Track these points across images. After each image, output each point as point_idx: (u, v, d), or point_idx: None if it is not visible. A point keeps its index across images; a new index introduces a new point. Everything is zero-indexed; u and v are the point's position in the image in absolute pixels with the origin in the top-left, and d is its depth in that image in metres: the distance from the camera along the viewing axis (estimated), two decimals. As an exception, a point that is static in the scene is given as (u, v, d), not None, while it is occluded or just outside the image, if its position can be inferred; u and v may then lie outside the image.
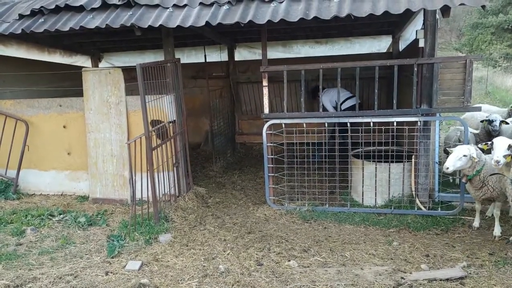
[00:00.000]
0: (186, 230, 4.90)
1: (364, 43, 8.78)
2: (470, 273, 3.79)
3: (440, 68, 4.94)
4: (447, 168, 4.31)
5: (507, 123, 5.72)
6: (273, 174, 5.72)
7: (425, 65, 4.95)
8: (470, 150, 4.32)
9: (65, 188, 6.34)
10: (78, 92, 5.99)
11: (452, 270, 3.85)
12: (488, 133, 5.78)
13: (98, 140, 5.90)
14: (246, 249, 4.40)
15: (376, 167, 5.37)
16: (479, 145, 4.52)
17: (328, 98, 7.34)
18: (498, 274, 3.77)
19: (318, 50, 8.93)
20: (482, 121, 5.93)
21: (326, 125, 5.45)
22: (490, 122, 5.70)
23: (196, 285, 3.71)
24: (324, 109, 7.18)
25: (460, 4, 4.22)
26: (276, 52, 9.12)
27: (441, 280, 3.69)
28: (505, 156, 3.97)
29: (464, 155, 4.29)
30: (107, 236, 4.77)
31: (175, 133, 5.65)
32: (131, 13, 5.10)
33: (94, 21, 5.11)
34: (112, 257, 4.27)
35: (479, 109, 5.23)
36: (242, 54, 9.38)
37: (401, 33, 7.79)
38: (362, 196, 5.54)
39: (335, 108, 7.13)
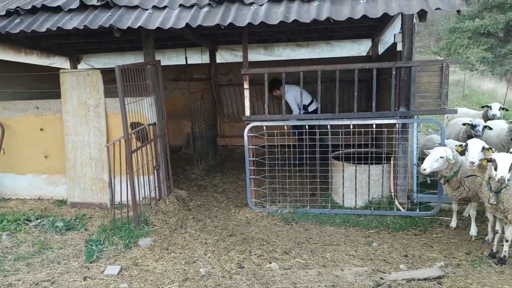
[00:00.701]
0: (166, 233, 4.85)
1: (344, 46, 8.89)
2: (447, 273, 3.86)
3: (417, 72, 5.03)
4: (424, 169, 4.38)
5: (490, 129, 5.73)
6: (254, 177, 5.72)
7: (403, 69, 5.03)
8: (447, 152, 4.40)
9: (43, 192, 6.21)
10: (56, 94, 5.88)
11: (430, 269, 3.92)
12: (470, 137, 5.60)
13: (76, 143, 5.80)
14: (227, 252, 4.39)
15: (356, 169, 5.43)
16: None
17: (293, 97, 7.25)
18: (474, 273, 3.86)
19: (299, 53, 9.00)
20: (464, 124, 5.99)
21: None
22: (473, 126, 5.72)
23: (176, 289, 3.68)
24: (288, 108, 7.30)
25: (436, 9, 4.31)
26: (258, 55, 9.15)
27: (419, 280, 3.75)
28: (480, 160, 4.06)
29: (441, 157, 4.37)
30: (86, 241, 4.68)
31: (156, 135, 5.60)
32: (109, 14, 5.04)
33: (72, 22, 5.03)
34: (91, 262, 4.20)
35: (455, 111, 5.34)
36: (224, 56, 9.37)
37: (380, 37, 7.91)
38: (343, 197, 5.59)
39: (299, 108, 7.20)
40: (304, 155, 5.44)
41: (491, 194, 3.89)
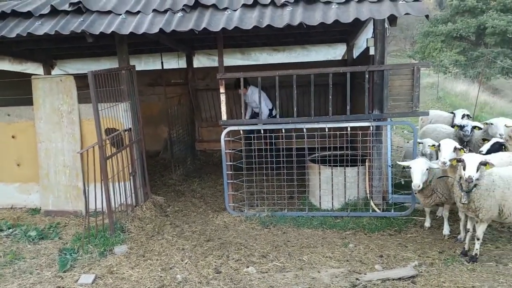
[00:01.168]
0: (143, 240, 4.79)
1: (320, 50, 8.99)
2: (421, 272, 3.95)
3: (390, 75, 5.14)
4: (419, 186, 4.35)
5: (480, 129, 5.75)
6: (232, 181, 5.72)
7: (375, 72, 5.13)
8: (427, 162, 4.47)
9: (15, 201, 6.05)
10: (28, 100, 5.75)
11: (404, 269, 3.99)
12: (461, 140, 5.69)
13: (49, 150, 5.68)
14: (205, 257, 4.37)
15: (332, 171, 5.49)
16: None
17: (263, 98, 7.07)
18: (447, 271, 3.95)
19: (276, 57, 9.06)
20: (453, 126, 6.08)
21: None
22: (461, 127, 5.71)
23: (152, 296, 3.64)
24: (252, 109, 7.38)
25: (405, 14, 4.42)
26: (235, 59, 9.17)
27: (393, 279, 3.82)
28: (451, 160, 4.17)
29: (427, 169, 4.41)
30: (59, 250, 4.59)
31: (131, 141, 5.54)
32: (82, 19, 4.97)
33: (43, 28, 4.94)
34: (64, 271, 4.12)
35: (426, 113, 5.47)
36: (201, 61, 9.36)
37: (354, 41, 8.05)
38: (320, 200, 5.64)
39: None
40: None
41: (462, 194, 3.99)
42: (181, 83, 9.13)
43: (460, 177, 4.01)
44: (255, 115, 7.31)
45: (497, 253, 4.32)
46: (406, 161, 5.10)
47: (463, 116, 6.55)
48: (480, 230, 4.08)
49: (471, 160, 3.88)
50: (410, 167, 4.46)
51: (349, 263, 4.20)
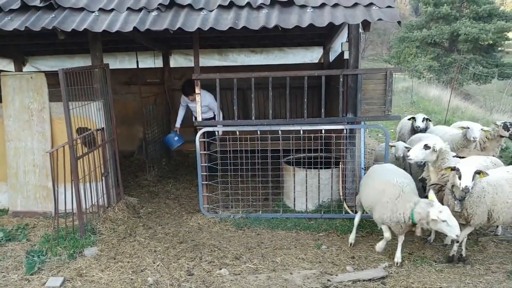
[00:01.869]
0: (114, 242, 4.71)
1: (297, 53, 9.06)
2: (391, 273, 4.03)
3: (363, 79, 5.23)
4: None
5: (430, 120, 6.19)
6: (206, 182, 5.69)
7: (350, 76, 5.21)
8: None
9: (-18, 201, 5.85)
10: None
11: (375, 270, 4.06)
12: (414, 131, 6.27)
13: (18, 149, 5.52)
14: (177, 259, 4.34)
15: (306, 174, 5.53)
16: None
17: (214, 100, 6.92)
18: (416, 272, 4.04)
19: (254, 59, 9.07)
20: (409, 119, 6.53)
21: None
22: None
23: (122, 299, 3.58)
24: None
25: (378, 19, 4.51)
26: (212, 60, 9.13)
27: (364, 280, 3.88)
28: (446, 168, 4.12)
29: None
30: (27, 252, 4.47)
31: (104, 141, 5.44)
32: (53, 15, 4.85)
33: (13, 23, 4.79)
34: (32, 274, 4.02)
35: (398, 117, 5.59)
36: (178, 61, 9.27)
37: (331, 45, 8.14)
38: (294, 201, 5.68)
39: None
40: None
41: (455, 202, 3.94)
42: (157, 82, 9.02)
43: (453, 185, 3.95)
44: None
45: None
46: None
47: (423, 120, 6.65)
48: (464, 233, 4.12)
49: (467, 169, 3.77)
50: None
51: (322, 264, 4.24)
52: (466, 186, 3.74)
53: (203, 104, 5.96)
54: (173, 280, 3.90)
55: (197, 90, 5.53)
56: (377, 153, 6.56)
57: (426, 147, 4.27)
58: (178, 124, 7.34)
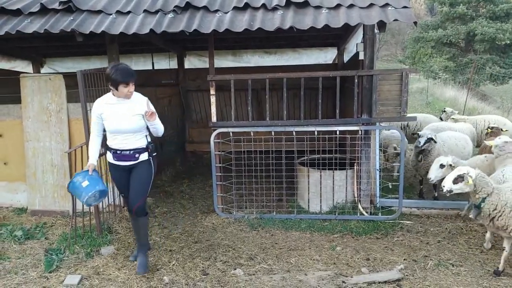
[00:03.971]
0: (130, 241, 4.77)
1: (311, 54, 9.04)
2: (406, 275, 3.99)
3: (378, 80, 5.19)
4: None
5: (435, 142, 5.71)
6: (221, 183, 5.72)
7: (365, 77, 5.18)
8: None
9: (1, 200, 5.98)
10: (16, 98, 5.69)
11: (390, 272, 4.03)
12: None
13: (37, 149, 5.63)
14: (192, 259, 4.37)
15: (320, 175, 5.52)
16: None
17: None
18: (432, 275, 4.00)
19: (267, 60, 9.09)
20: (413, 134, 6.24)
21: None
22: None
23: (138, 297, 3.63)
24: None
25: (394, 20, 4.48)
26: (226, 61, 9.17)
27: (379, 282, 3.86)
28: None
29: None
30: (45, 250, 4.55)
31: (120, 142, 5.50)
32: (72, 18, 4.95)
33: (32, 26, 4.90)
34: (50, 272, 4.09)
35: (414, 118, 5.54)
36: (192, 62, 9.34)
37: (345, 46, 8.11)
38: (308, 202, 5.67)
39: None
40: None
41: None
42: (171, 83, 9.10)
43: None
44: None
45: (482, 257, 4.38)
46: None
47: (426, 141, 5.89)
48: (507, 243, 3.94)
49: (452, 172, 3.91)
50: None
51: (336, 266, 4.22)
52: (443, 186, 3.89)
53: (136, 112, 3.83)
54: (188, 280, 3.93)
55: (212, 91, 5.57)
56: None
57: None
58: (93, 160, 4.04)
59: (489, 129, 6.65)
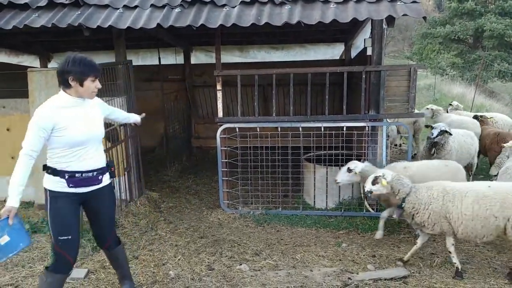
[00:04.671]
0: (136, 236, 4.79)
1: (318, 49, 9.00)
2: (413, 272, 3.96)
3: (386, 76, 5.15)
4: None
5: (450, 134, 5.57)
6: (227, 178, 5.72)
7: (372, 73, 5.14)
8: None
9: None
10: (24, 93, 5.71)
11: (396, 269, 4.01)
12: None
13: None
14: (198, 254, 4.38)
15: (327, 171, 5.50)
16: None
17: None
18: (439, 273, 3.97)
19: (274, 55, 9.06)
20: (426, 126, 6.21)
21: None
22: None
23: (144, 292, 3.64)
24: None
25: (403, 15, 4.43)
26: (232, 57, 9.15)
27: (385, 279, 3.83)
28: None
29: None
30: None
31: (127, 136, 5.52)
32: (79, 12, 4.95)
33: (40, 20, 4.91)
34: (57, 266, 4.10)
35: (422, 115, 5.49)
36: (199, 57, 9.33)
37: (352, 41, 8.05)
38: (314, 199, 5.65)
39: None
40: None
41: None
42: (178, 79, 9.10)
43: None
44: None
45: (489, 255, 4.34)
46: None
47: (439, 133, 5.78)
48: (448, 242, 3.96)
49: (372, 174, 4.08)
50: None
51: (342, 262, 4.21)
52: (365, 187, 4.07)
53: (100, 116, 3.24)
54: (194, 274, 3.94)
55: (218, 87, 5.55)
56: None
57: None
58: (16, 199, 2.90)
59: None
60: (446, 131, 5.41)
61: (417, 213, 3.89)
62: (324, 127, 5.31)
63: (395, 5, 4.58)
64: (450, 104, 9.63)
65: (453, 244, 3.91)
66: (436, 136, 5.41)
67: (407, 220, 4.12)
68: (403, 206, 3.93)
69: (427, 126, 6.16)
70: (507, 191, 3.67)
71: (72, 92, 2.89)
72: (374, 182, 3.97)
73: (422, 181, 4.12)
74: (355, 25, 6.50)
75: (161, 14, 4.84)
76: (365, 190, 4.06)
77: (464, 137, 6.05)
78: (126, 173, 5.53)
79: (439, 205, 3.80)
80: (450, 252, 3.94)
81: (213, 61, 8.88)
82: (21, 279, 3.86)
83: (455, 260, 3.91)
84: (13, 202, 2.79)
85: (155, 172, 7.71)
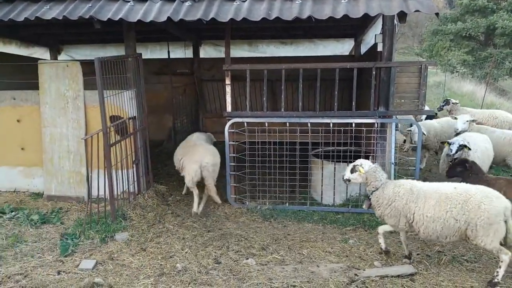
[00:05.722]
0: (144, 228, 4.82)
1: (328, 45, 8.95)
2: (420, 270, 3.95)
3: (397, 72, 5.11)
4: None
5: (469, 149, 5.32)
6: (234, 173, 5.73)
7: (383, 69, 5.10)
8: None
9: (18, 184, 6.09)
10: (34, 85, 5.76)
11: (403, 267, 4.00)
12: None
13: (54, 135, 5.70)
14: (205, 247, 4.40)
15: (335, 167, 5.48)
16: None
17: None
18: (446, 271, 3.95)
19: (283, 50, 9.03)
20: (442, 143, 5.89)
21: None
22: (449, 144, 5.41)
23: (152, 284, 3.67)
24: None
25: (415, 11, 4.38)
26: (242, 51, 9.14)
27: (392, 276, 3.82)
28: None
29: None
30: (61, 234, 4.63)
31: (136, 129, 5.55)
32: (90, 5, 4.96)
33: (51, 12, 4.93)
34: (65, 256, 4.16)
35: (432, 112, 5.44)
36: (208, 51, 9.33)
37: (363, 37, 7.99)
38: (321, 195, 5.64)
39: None
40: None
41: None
42: (187, 73, 9.11)
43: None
44: None
45: (497, 254, 4.31)
46: None
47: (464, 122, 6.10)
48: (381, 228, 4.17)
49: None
50: None
51: (349, 258, 4.21)
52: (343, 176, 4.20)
53: None
54: (201, 268, 3.96)
55: (227, 81, 5.55)
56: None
57: None
58: None
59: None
60: (465, 146, 5.20)
61: (378, 207, 4.03)
62: (332, 123, 5.29)
63: (407, 1, 4.53)
64: (445, 101, 8.39)
65: (391, 232, 4.18)
66: (456, 152, 5.22)
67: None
68: (370, 197, 4.08)
69: (442, 143, 5.88)
70: (470, 194, 3.65)
71: None
72: (353, 171, 4.09)
73: None
74: (366, 21, 6.45)
75: (171, 8, 4.84)
76: (343, 178, 4.17)
77: (483, 142, 5.77)
78: (134, 165, 5.56)
79: (402, 204, 3.89)
80: (378, 233, 4.17)
81: (222, 55, 8.90)
82: (30, 269, 3.90)
83: (381, 241, 4.15)
84: None
85: (163, 166, 7.73)
